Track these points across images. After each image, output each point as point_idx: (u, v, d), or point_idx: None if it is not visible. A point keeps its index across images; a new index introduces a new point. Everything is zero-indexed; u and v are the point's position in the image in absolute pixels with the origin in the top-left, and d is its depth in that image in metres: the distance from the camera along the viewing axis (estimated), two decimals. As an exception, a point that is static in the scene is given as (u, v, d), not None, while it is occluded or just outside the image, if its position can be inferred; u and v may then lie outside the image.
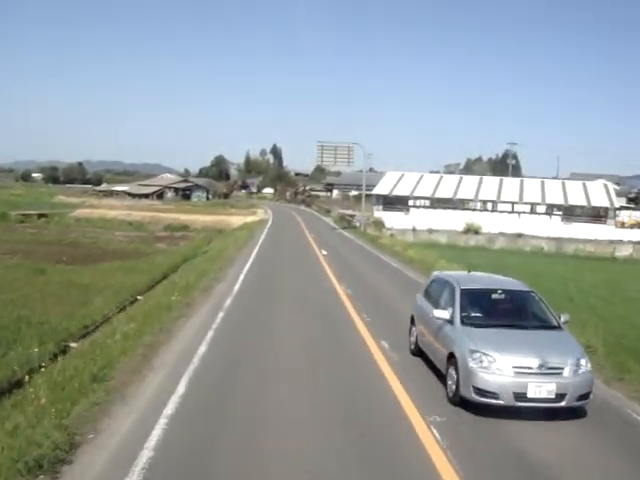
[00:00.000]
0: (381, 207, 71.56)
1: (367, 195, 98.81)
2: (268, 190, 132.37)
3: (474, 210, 63.86)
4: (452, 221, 54.90)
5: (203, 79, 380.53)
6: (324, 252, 28.31)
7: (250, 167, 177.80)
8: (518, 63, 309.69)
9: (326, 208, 77.96)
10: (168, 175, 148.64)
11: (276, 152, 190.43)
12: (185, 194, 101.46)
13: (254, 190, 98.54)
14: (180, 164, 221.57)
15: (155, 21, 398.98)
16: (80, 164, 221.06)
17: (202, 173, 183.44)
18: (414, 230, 52.44)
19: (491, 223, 54.27)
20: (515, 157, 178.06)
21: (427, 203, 76.10)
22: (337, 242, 36.40)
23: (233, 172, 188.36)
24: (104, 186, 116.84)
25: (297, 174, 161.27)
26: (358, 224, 48.12)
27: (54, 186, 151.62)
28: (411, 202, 75.91)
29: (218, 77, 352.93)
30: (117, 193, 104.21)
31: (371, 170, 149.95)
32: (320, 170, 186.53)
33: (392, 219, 54.81)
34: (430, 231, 52.22)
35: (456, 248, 46.92)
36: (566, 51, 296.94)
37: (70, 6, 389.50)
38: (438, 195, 70.12)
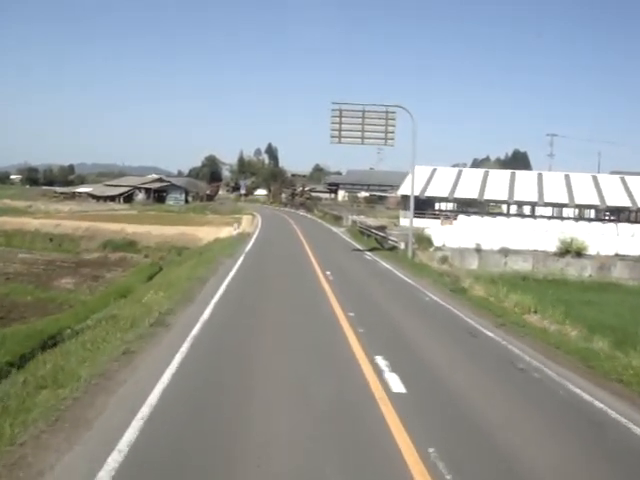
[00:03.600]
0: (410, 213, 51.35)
1: (381, 197, 78.29)
2: (261, 191, 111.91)
3: (549, 218, 44.12)
4: (523, 234, 34.69)
5: (198, 79, 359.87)
6: (386, 368, 8.20)
7: (244, 168, 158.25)
8: (526, 58, 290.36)
9: (334, 214, 57.48)
10: (153, 175, 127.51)
11: (271, 152, 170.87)
12: (160, 196, 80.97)
13: (243, 192, 77.90)
14: (177, 167, 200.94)
15: (152, 21, 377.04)
16: (70, 166, 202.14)
17: (192, 174, 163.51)
18: (478, 251, 32.26)
19: (590, 238, 33.96)
20: (525, 155, 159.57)
21: (461, 206, 55.99)
22: (384, 296, 16.24)
23: (226, 173, 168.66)
24: (66, 187, 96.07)
25: (294, 175, 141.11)
26: (403, 245, 27.41)
27: (30, 188, 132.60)
28: (444, 205, 56.00)
29: (213, 76, 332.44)
30: (79, 195, 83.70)
31: (371, 169, 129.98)
32: (319, 170, 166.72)
33: (437, 232, 34.42)
34: (504, 252, 32.02)
35: (568, 285, 26.78)
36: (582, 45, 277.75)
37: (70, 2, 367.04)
38: (488, 196, 49.94)
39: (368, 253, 27.90)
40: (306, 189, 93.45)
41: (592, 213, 50.91)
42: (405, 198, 51.13)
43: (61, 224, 42.34)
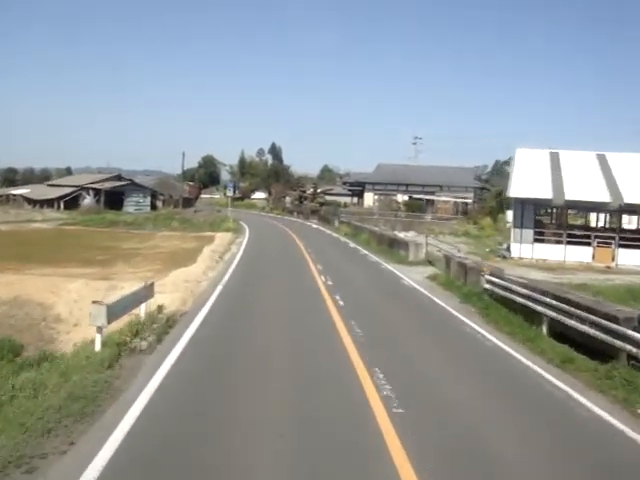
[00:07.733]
0: (531, 233, 26.83)
1: (427, 202, 54.34)
2: (260, 194, 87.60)
3: None
4: None
5: (201, 80, 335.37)
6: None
7: (245, 169, 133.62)
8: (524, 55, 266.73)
9: (375, 231, 32.36)
10: (141, 175, 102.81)
11: (275, 152, 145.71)
12: (118, 199, 56.53)
13: (230, 194, 54.14)
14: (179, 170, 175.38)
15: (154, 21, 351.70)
16: (68, 168, 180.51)
17: (187, 176, 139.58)
18: None
19: None
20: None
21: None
22: None
23: (226, 175, 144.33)
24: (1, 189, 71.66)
25: (300, 177, 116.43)
26: None
27: None
28: (593, 215, 31.53)
29: (216, 77, 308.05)
30: (14, 198, 59.59)
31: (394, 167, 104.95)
32: (328, 171, 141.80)
33: None
34: None
35: None
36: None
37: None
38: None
39: None
40: (319, 191, 68.61)
41: None
42: (522, 207, 26.09)
43: None
